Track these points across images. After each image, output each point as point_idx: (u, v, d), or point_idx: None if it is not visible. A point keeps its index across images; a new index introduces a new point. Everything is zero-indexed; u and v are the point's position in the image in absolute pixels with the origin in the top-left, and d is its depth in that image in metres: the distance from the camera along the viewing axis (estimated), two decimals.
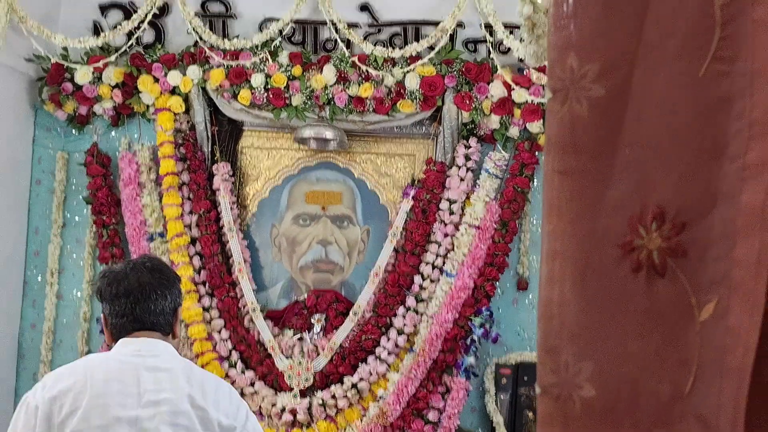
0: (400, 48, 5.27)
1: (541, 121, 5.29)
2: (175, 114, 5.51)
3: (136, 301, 2.80)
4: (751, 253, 0.96)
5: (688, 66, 0.97)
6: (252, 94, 5.40)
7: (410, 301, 5.36)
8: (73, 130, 5.70)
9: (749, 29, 0.95)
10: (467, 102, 5.28)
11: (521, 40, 2.95)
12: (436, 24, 5.22)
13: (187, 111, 5.54)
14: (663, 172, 0.99)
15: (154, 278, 2.83)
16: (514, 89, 5.23)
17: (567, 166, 1.05)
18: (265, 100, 5.40)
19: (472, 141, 5.38)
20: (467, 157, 5.38)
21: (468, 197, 5.37)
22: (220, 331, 5.42)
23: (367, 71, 5.31)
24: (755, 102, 0.95)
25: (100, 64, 5.46)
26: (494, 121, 5.32)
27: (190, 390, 2.71)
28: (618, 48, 1.03)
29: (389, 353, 5.33)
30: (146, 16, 5.35)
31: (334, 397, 5.31)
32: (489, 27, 5.12)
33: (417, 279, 5.37)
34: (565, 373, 1.06)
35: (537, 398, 1.12)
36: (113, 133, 5.68)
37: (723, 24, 0.98)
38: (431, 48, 5.24)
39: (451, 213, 5.36)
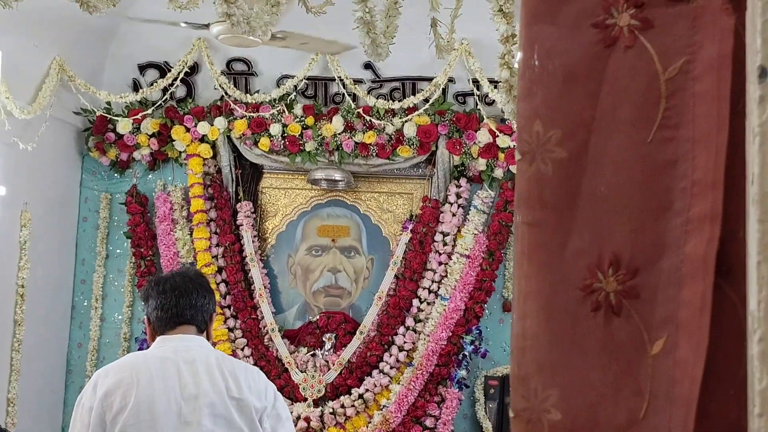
0: (399, 100, 5.30)
1: None
2: (204, 159, 5.53)
3: (181, 294, 2.70)
4: (696, 296, 0.96)
5: (638, 132, 0.97)
6: (271, 141, 5.42)
7: (409, 321, 5.35)
8: (115, 174, 5.72)
9: (690, 101, 0.96)
10: (458, 147, 5.30)
11: (501, 101, 2.96)
12: (430, 80, 5.25)
13: (215, 156, 5.56)
14: (618, 224, 0.99)
15: (197, 281, 2.77)
16: (498, 136, 5.24)
17: (534, 219, 1.04)
18: (282, 147, 5.42)
19: (463, 181, 5.39)
20: (458, 195, 5.39)
21: (459, 230, 5.38)
22: (243, 349, 5.40)
23: (370, 121, 5.33)
24: (696, 164, 0.95)
25: (139, 116, 5.50)
26: (481, 164, 5.33)
27: (225, 382, 2.61)
28: (577, 116, 1.03)
29: (391, 367, 5.32)
30: (179, 74, 5.40)
31: (343, 406, 5.28)
32: (476, 82, 5.14)
33: (415, 302, 5.37)
34: (535, 399, 1.05)
35: (511, 421, 1.11)
36: (150, 176, 5.71)
37: (668, 96, 0.98)
38: (426, 100, 5.26)
39: (445, 244, 5.37)
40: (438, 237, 5.37)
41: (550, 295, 1.05)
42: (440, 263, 5.36)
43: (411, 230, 5.43)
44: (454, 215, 5.37)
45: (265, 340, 5.43)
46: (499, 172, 5.34)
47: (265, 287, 5.49)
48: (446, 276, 5.33)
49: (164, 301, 2.71)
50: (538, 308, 1.07)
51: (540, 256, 1.06)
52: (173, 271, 2.86)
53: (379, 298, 5.40)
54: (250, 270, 5.48)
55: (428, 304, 5.36)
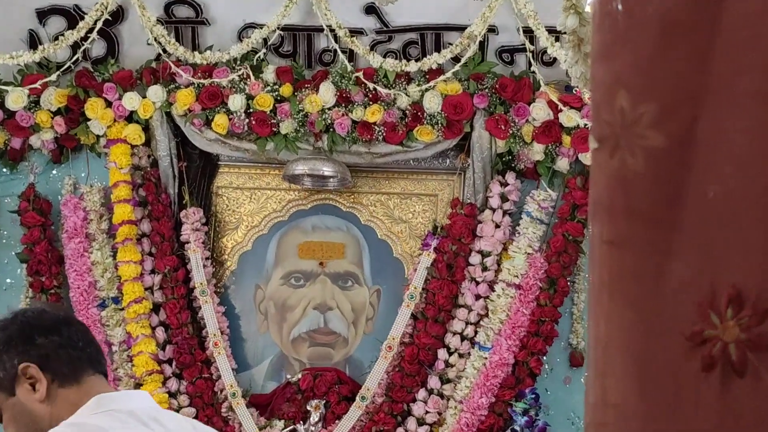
0: (417, 60, 5.30)
1: None
2: (132, 147, 5.54)
3: (85, 330, 2.74)
4: None
5: (766, 110, 0.96)
6: (230, 120, 5.43)
7: (433, 381, 5.34)
8: (4, 169, 5.72)
9: None
10: (502, 127, 5.30)
11: (565, 60, 2.96)
12: (462, 29, 5.26)
13: (148, 143, 5.58)
14: (740, 244, 0.98)
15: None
16: (562, 111, 5.23)
17: (618, 235, 1.04)
18: (246, 128, 5.43)
19: (510, 177, 5.39)
20: (503, 197, 5.38)
21: (505, 248, 5.37)
22: None
23: (374, 90, 5.34)
24: None
25: (38, 84, 5.49)
26: (538, 151, 5.33)
27: None
28: (681, 84, 1.02)
29: None
30: (96, 23, 5.39)
31: None
32: (529, 32, 5.16)
33: (441, 353, 5.36)
34: None
35: None
36: (54, 171, 5.71)
37: None
38: (456, 59, 5.27)
39: (485, 269, 5.36)
40: (475, 258, 5.37)
41: (643, 345, 1.05)
42: (478, 296, 5.35)
43: (435, 249, 5.43)
44: (498, 227, 5.36)
45: (223, 410, 5.43)
46: (563, 164, 5.33)
47: (222, 333, 5.48)
48: (487, 315, 5.33)
49: (67, 336, 2.68)
50: (625, 365, 1.07)
51: (627, 288, 1.05)
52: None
53: (389, 348, 5.38)
54: (200, 308, 5.49)
55: (461, 356, 5.35)
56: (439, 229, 5.48)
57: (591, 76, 1.07)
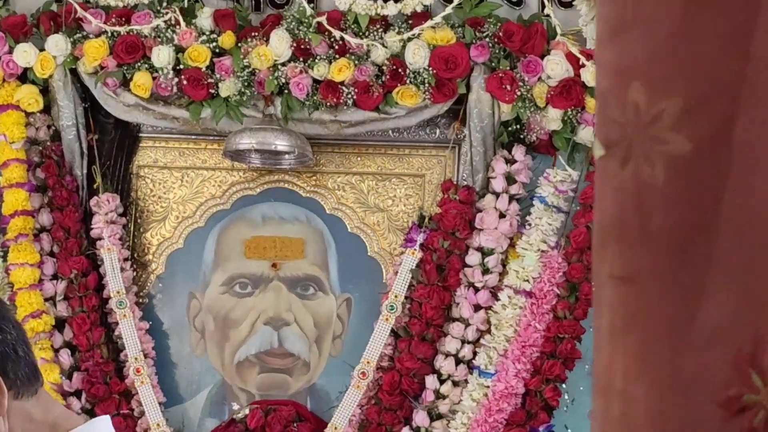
0: (397, 0, 5.29)
1: None
2: (27, 114, 5.55)
3: (26, 334, 2.73)
4: None
5: None
6: (154, 79, 5.44)
7: (420, 417, 5.35)
8: None
9: None
10: (508, 87, 5.29)
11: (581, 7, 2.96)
12: None
13: (48, 110, 5.61)
14: None
15: None
16: (584, 66, 5.24)
17: (632, 269, 1.03)
18: (175, 90, 5.45)
19: (518, 151, 5.39)
20: (510, 178, 5.38)
21: (513, 244, 5.38)
22: None
23: (342, 39, 5.34)
24: None
25: None
26: (554, 119, 5.33)
27: None
28: (712, 73, 1.01)
29: None
30: None
31: None
32: None
33: (430, 381, 5.36)
34: None
35: None
36: None
37: None
38: (448, 0, 5.25)
39: (486, 271, 5.36)
40: (473, 258, 5.37)
41: (668, 411, 1.05)
42: (478, 307, 5.35)
43: (422, 246, 5.43)
44: (502, 216, 5.36)
45: None
46: (586, 134, 5.32)
47: (146, 356, 5.48)
48: (489, 332, 5.33)
49: (20, 335, 2.68)
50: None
51: (643, 340, 1.05)
52: None
53: (363, 374, 5.38)
54: (117, 324, 5.49)
55: (455, 384, 5.35)
56: (426, 220, 5.48)
57: (596, 60, 1.06)
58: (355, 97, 5.36)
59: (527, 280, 5.32)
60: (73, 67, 5.50)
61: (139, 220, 5.72)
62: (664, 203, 1.01)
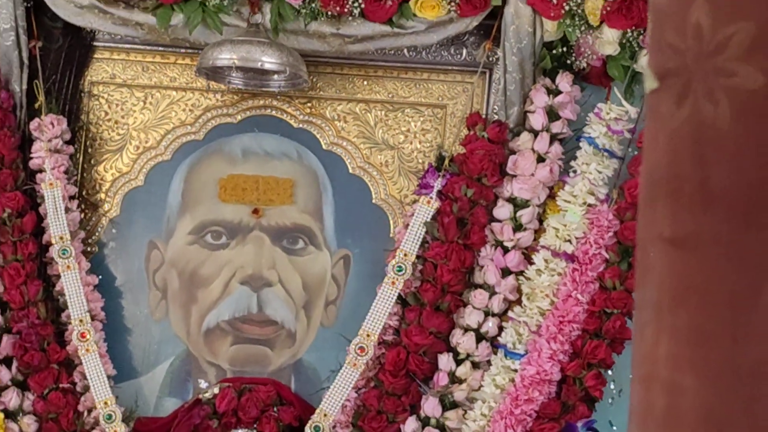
0: None
1: None
2: None
3: None
4: None
5: None
6: None
7: (429, 406, 5.35)
8: None
9: None
10: (554, 0, 5.25)
11: None
12: None
13: None
14: None
15: None
16: None
17: (687, 231, 1.02)
18: None
19: (563, 80, 5.38)
20: (552, 113, 5.36)
21: (552, 196, 5.36)
22: None
23: None
24: None
25: None
26: (609, 41, 5.33)
27: None
28: None
29: None
30: None
31: None
32: None
33: (444, 361, 5.36)
34: None
35: None
36: None
37: None
38: None
39: (518, 228, 5.35)
40: (503, 210, 5.38)
41: (723, 409, 1.04)
42: (506, 272, 5.34)
43: (440, 193, 5.41)
44: (541, 160, 5.35)
45: None
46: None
47: (94, 318, 5.49)
48: (519, 303, 5.32)
49: None
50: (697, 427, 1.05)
51: (700, 318, 1.03)
52: None
53: (361, 350, 5.39)
54: (58, 278, 5.47)
55: (475, 366, 5.36)
56: (446, 162, 5.47)
57: None
58: (362, 5, 5.34)
59: (569, 241, 5.31)
60: None
61: (90, 150, 5.71)
62: (728, 152, 1.00)
